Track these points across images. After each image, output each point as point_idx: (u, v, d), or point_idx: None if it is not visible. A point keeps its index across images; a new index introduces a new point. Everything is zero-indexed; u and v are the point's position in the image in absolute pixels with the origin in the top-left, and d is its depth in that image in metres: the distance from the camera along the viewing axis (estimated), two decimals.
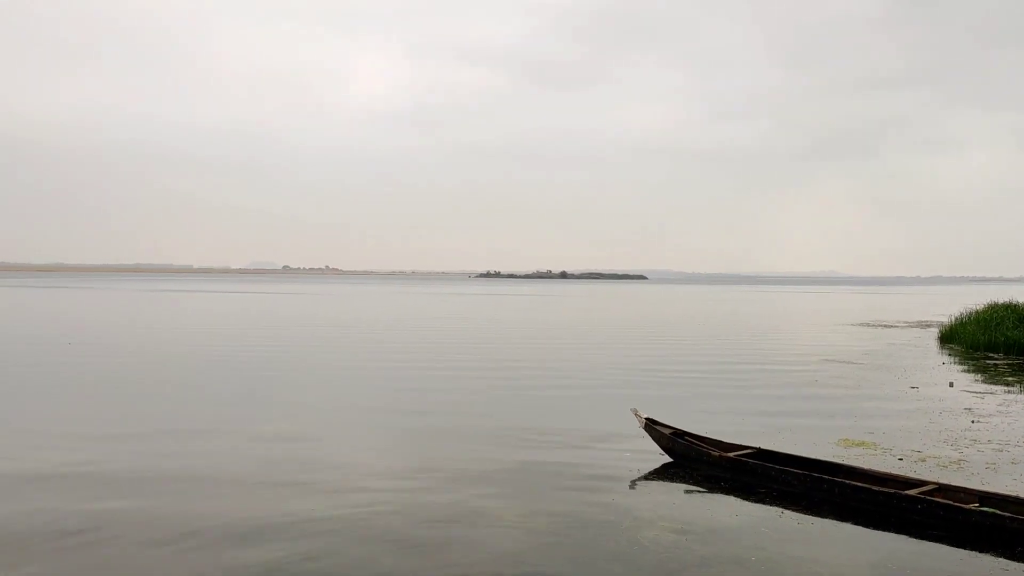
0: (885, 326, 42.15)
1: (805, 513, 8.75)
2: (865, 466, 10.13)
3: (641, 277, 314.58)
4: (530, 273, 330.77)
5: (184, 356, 24.07)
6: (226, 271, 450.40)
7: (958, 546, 7.70)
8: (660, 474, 10.54)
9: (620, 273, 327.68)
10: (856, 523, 8.41)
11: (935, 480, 9.28)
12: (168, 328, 36.29)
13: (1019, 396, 17.26)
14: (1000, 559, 7.38)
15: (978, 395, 17.28)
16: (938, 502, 8.28)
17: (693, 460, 10.85)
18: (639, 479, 10.26)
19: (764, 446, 11.00)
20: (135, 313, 47.75)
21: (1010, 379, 20.02)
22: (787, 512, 8.78)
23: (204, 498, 9.30)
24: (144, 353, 24.84)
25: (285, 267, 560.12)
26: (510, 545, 7.79)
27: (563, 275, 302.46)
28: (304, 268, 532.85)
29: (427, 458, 11.36)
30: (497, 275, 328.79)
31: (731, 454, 10.51)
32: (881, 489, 8.75)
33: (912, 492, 8.62)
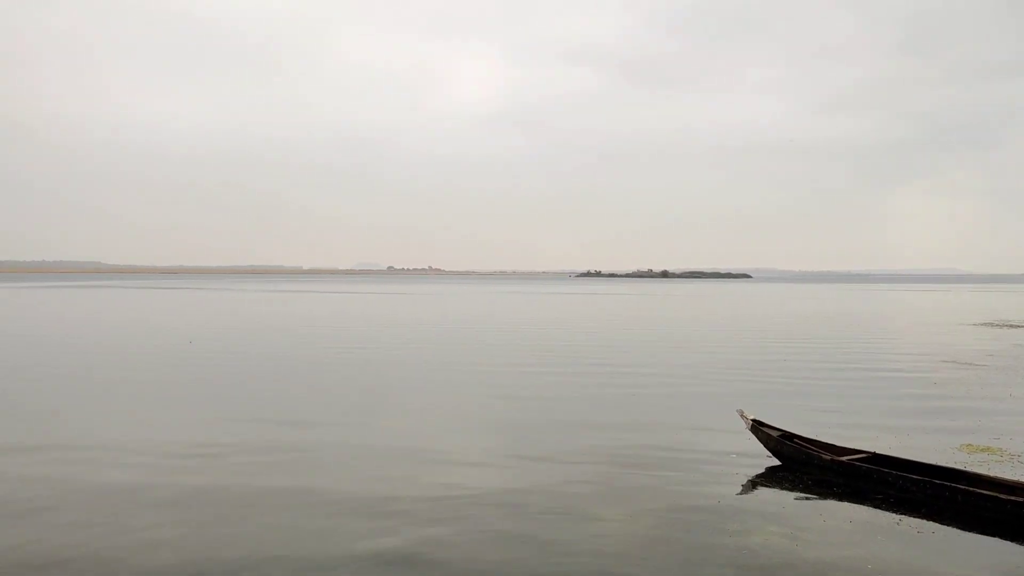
0: (1011, 326, 39.79)
1: (926, 521, 8.34)
2: (991, 473, 9.60)
3: (745, 276, 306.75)
4: (631, 272, 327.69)
5: (296, 354, 24.89)
6: (334, 272, 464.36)
7: None
8: (767, 477, 10.26)
9: (723, 272, 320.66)
10: (983, 534, 7.97)
11: None
12: (279, 327, 37.60)
13: None
14: None
15: None
16: None
17: (803, 464, 10.51)
18: (745, 482, 10.01)
19: (879, 450, 10.57)
20: (249, 313, 49.76)
21: None
22: (905, 520, 8.40)
23: (323, 485, 9.62)
24: (260, 351, 25.85)
25: (389, 268, 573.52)
26: (613, 545, 7.73)
27: (664, 274, 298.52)
28: (407, 269, 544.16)
29: (531, 455, 11.40)
30: (598, 274, 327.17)
31: (844, 458, 10.13)
32: (1011, 498, 8.26)
33: None
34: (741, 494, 9.51)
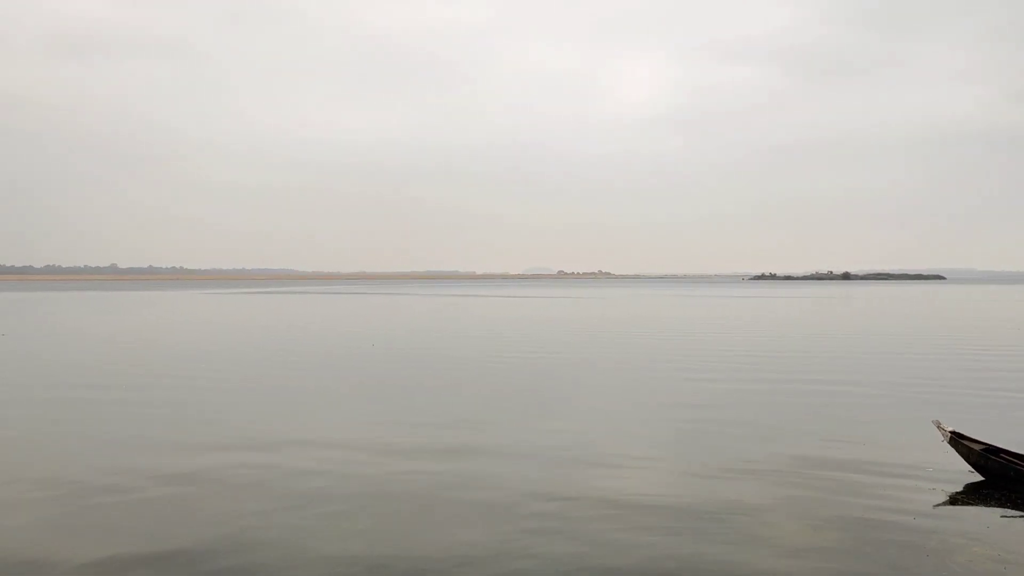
0: None
1: None
2: None
3: (938, 277, 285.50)
4: (808, 274, 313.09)
5: (468, 356, 25.60)
6: (505, 276, 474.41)
7: None
8: (970, 494, 9.51)
9: (912, 273, 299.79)
10: None
11: None
12: (453, 331, 38.76)
13: None
14: None
15: None
16: None
17: (1011, 480, 9.67)
18: (943, 498, 9.32)
19: None
20: (424, 317, 51.67)
21: None
22: None
23: (497, 483, 9.88)
24: (436, 353, 26.78)
25: (560, 272, 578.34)
26: (795, 557, 7.44)
27: (846, 276, 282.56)
28: (577, 273, 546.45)
29: (707, 458, 11.17)
30: (772, 277, 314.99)
31: None
32: None
33: None
34: (939, 510, 8.87)
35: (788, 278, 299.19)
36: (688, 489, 9.81)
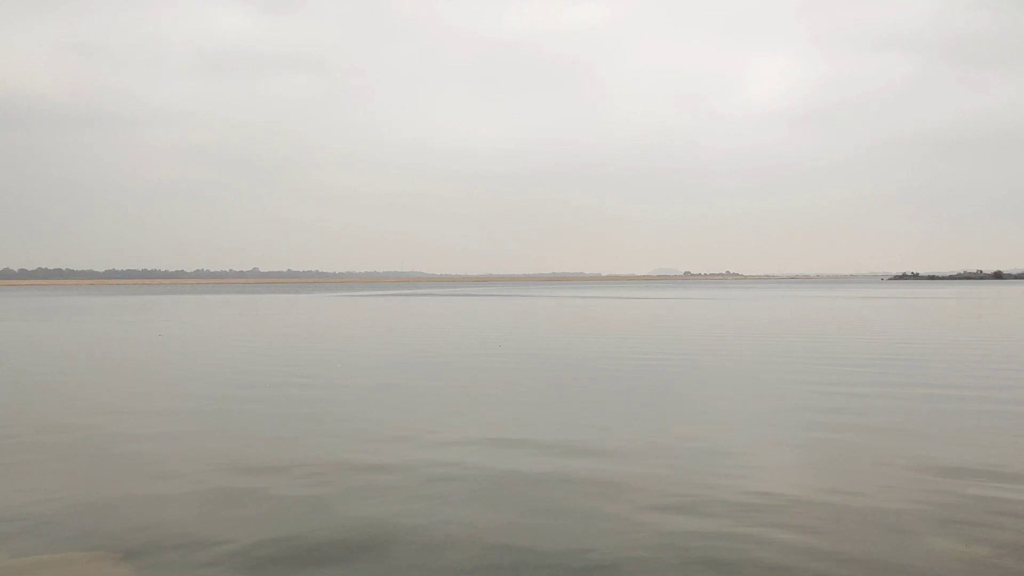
0: None
1: None
2: None
3: None
4: (954, 274, 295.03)
5: (591, 356, 25.67)
6: (631, 278, 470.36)
7: None
8: None
9: None
10: None
11: None
12: (577, 331, 38.85)
13: None
14: None
15: None
16: None
17: None
18: None
19: None
20: (551, 318, 51.99)
21: None
22: None
23: (625, 482, 9.94)
24: (561, 354, 26.98)
25: (686, 273, 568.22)
26: (946, 571, 7.14)
27: (998, 275, 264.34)
28: (704, 274, 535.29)
29: (843, 473, 10.81)
30: (915, 276, 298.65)
31: None
32: None
33: None
34: None
35: (932, 278, 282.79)
36: (824, 495, 9.55)
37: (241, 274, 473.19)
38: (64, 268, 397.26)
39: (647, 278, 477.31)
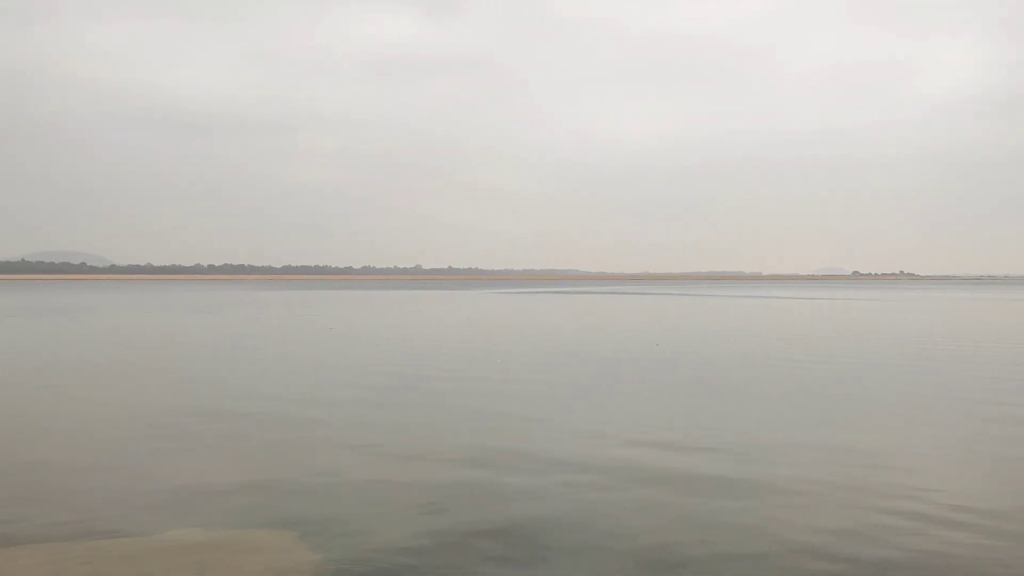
0: None
1: None
2: None
3: None
4: None
5: (752, 357, 24.92)
6: (795, 277, 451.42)
7: None
8: None
9: None
10: None
11: None
12: (735, 331, 37.76)
13: None
14: None
15: None
16: None
17: None
18: None
19: None
20: (708, 317, 50.82)
21: None
22: None
23: (783, 506, 9.66)
24: (721, 354, 26.35)
25: (854, 272, 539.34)
26: None
27: None
28: (875, 274, 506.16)
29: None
30: None
31: None
32: None
33: None
34: None
35: None
36: (999, 506, 8.89)
37: (405, 271, 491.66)
38: (246, 264, 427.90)
39: (812, 278, 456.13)
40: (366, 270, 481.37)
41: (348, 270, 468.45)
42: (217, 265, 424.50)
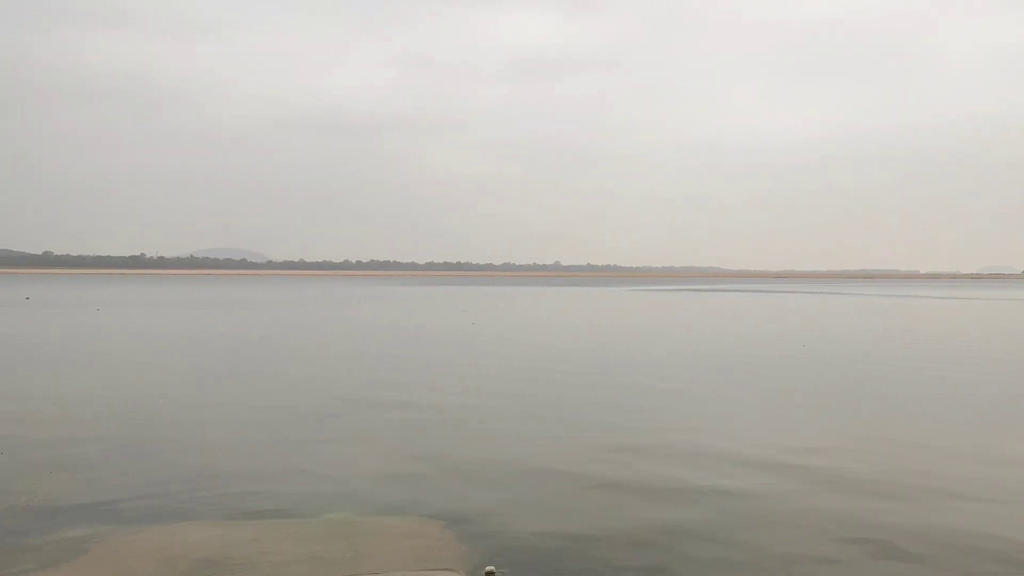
0: None
1: None
2: None
3: None
4: None
5: (906, 360, 23.56)
6: (954, 276, 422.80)
7: None
8: None
9: None
10: None
11: None
12: (891, 332, 35.82)
13: None
14: None
15: None
16: None
17: None
18: None
19: None
20: (859, 317, 48.38)
21: None
22: None
23: (938, 514, 9.17)
24: (872, 358, 25.12)
25: None
26: None
27: None
28: None
29: None
30: None
31: None
32: None
33: None
34: None
35: None
36: None
37: (544, 268, 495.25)
38: (391, 261, 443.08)
39: (974, 277, 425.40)
40: (506, 267, 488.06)
41: (488, 267, 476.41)
42: (364, 261, 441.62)
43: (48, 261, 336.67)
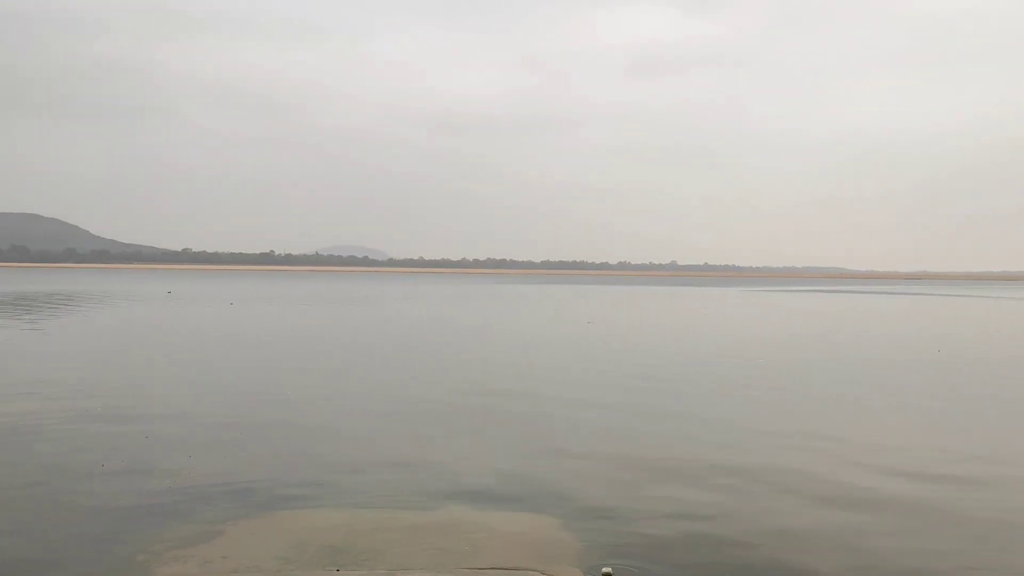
0: None
1: None
2: None
3: None
4: None
5: None
6: None
7: None
8: None
9: None
10: None
11: None
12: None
13: None
14: None
15: None
16: None
17: None
18: None
19: None
20: (1001, 320, 45.54)
21: None
22: None
23: None
24: (1015, 363, 23.63)
25: None
26: None
27: None
28: None
29: None
30: None
31: None
32: None
33: None
34: None
35: None
36: None
37: (659, 267, 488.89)
38: (508, 259, 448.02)
39: None
40: (622, 266, 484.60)
41: (604, 266, 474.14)
42: (481, 259, 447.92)
43: (187, 257, 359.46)
